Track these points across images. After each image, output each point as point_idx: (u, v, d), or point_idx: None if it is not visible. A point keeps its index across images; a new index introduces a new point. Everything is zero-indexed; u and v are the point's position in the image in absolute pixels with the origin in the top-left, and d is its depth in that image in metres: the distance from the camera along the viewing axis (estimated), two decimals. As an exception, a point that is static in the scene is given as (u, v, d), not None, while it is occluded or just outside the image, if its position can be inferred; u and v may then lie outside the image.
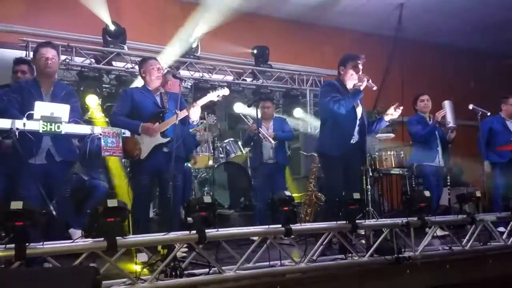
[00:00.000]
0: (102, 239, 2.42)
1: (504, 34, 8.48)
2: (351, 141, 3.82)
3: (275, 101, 6.74)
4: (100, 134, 3.01)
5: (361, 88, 3.75)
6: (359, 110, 3.90)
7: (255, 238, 3.07)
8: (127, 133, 3.33)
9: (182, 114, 3.64)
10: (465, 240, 3.56)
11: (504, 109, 5.43)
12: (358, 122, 3.87)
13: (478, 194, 3.54)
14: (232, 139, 6.65)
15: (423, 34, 7.91)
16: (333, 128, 3.80)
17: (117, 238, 2.43)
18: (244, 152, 6.51)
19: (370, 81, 3.76)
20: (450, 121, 4.87)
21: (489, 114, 5.02)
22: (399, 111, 3.82)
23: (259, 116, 5.57)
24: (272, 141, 5.24)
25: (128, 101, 3.75)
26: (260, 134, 4.94)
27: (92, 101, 5.67)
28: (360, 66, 3.85)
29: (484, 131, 4.95)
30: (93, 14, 6.25)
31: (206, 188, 6.04)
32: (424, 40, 8.36)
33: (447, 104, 4.93)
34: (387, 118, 3.88)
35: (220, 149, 6.58)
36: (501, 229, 4.13)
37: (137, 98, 3.74)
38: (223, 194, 6.17)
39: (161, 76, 3.82)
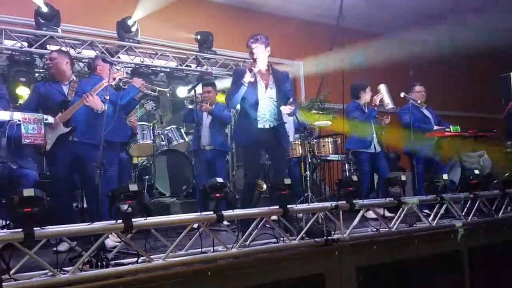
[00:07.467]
0: (20, 230, 2.33)
1: (439, 26, 8.85)
2: (261, 126, 3.80)
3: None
4: (19, 121, 2.86)
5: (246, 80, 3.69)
6: (262, 95, 3.79)
7: (195, 225, 3.06)
8: (50, 119, 3.20)
9: (83, 102, 3.55)
10: (392, 222, 3.72)
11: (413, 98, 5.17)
12: (260, 105, 3.77)
13: (403, 178, 3.68)
14: (174, 126, 6.54)
15: (363, 24, 8.12)
16: (241, 115, 3.86)
17: (35, 228, 2.35)
18: (187, 139, 6.43)
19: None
20: (389, 102, 4.94)
21: (419, 102, 5.21)
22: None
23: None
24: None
25: (34, 95, 3.77)
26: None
27: (23, 92, 5.45)
28: None
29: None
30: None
31: (146, 177, 5.93)
32: (364, 30, 8.58)
33: (382, 87, 5.01)
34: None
35: (162, 136, 6.47)
36: (427, 211, 4.36)
37: (44, 91, 3.73)
38: (165, 183, 6.08)
39: (53, 67, 3.76)
